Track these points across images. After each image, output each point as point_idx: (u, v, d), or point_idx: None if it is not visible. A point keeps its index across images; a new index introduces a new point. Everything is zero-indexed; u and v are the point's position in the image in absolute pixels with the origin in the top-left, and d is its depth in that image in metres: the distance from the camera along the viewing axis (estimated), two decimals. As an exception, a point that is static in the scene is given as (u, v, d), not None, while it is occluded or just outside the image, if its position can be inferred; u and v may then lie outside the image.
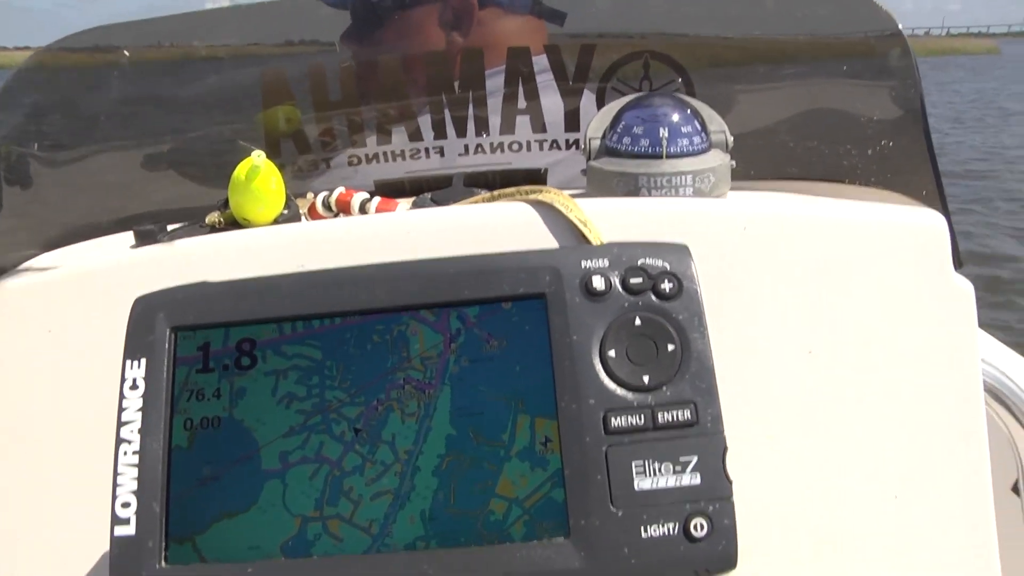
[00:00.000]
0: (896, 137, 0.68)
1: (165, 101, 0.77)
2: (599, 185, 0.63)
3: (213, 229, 0.64)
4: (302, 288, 0.44)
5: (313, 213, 0.67)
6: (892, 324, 0.54)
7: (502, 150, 0.74)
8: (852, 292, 0.54)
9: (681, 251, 0.44)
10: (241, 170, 0.60)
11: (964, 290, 0.55)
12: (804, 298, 0.54)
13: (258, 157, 0.60)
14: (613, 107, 0.65)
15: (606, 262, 0.43)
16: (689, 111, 0.63)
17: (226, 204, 0.64)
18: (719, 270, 0.52)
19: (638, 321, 0.42)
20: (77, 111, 0.76)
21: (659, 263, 0.43)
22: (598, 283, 0.42)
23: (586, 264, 0.42)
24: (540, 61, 0.72)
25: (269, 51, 0.77)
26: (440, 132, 0.73)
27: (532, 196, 0.56)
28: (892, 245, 0.55)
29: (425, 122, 0.73)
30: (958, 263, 0.56)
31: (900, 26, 0.66)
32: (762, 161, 0.73)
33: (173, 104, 0.77)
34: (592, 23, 0.78)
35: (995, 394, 0.74)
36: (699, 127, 0.63)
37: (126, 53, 0.72)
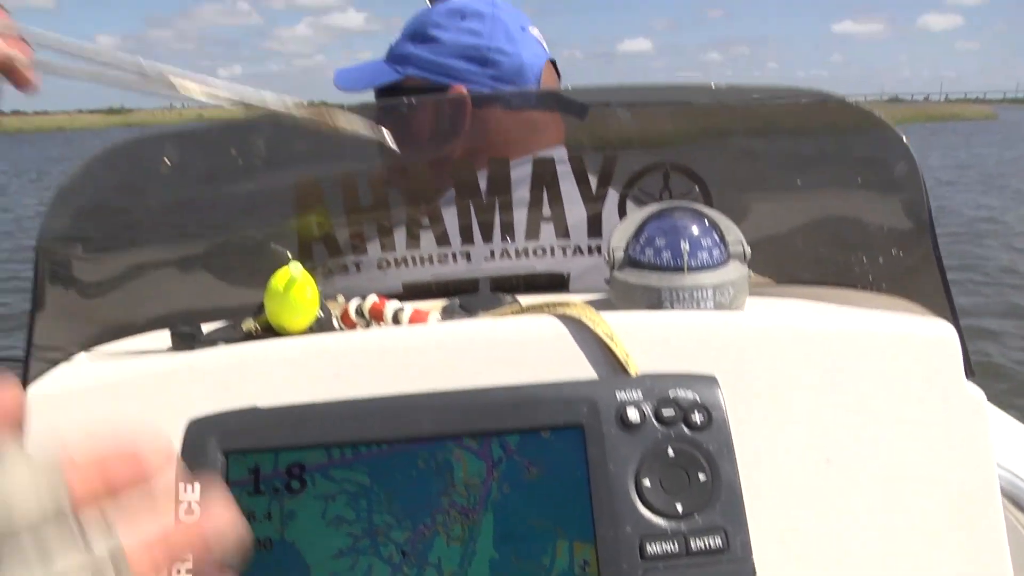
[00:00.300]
0: (905, 246, 0.71)
1: (203, 206, 0.80)
2: (623, 296, 0.66)
3: (249, 335, 0.66)
4: (350, 415, 0.46)
5: (346, 320, 0.69)
6: (907, 433, 0.56)
7: (527, 255, 0.77)
8: (868, 402, 0.56)
9: (710, 382, 0.46)
10: (279, 280, 0.63)
11: (975, 398, 0.57)
12: (821, 408, 0.56)
13: (295, 268, 0.62)
14: (635, 218, 0.68)
15: (639, 394, 0.45)
16: (707, 223, 0.66)
17: (261, 309, 0.66)
18: (740, 382, 0.54)
19: (671, 452, 0.44)
20: (118, 215, 0.79)
21: (689, 395, 0.45)
22: (632, 415, 0.44)
23: (621, 396, 0.45)
24: (564, 170, 0.75)
25: (302, 156, 0.80)
26: (467, 237, 0.76)
27: (560, 310, 0.58)
28: (906, 356, 0.57)
29: (452, 227, 0.76)
30: (969, 371, 0.58)
31: (905, 139, 0.69)
32: (777, 266, 0.76)
33: (210, 208, 0.80)
34: (613, 133, 0.82)
35: (1014, 499, 0.75)
36: (718, 239, 0.66)
37: (167, 162, 0.75)
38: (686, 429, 0.45)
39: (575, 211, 0.76)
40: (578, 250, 0.78)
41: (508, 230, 0.76)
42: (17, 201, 13.51)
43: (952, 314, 0.64)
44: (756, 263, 0.68)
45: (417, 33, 0.91)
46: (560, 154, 0.78)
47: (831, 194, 0.76)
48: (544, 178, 0.75)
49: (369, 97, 0.94)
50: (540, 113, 0.91)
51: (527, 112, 0.90)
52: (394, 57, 0.92)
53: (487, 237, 0.76)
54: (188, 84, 0.56)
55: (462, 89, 0.87)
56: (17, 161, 28.23)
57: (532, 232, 0.76)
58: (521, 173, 0.76)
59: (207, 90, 0.57)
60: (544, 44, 0.95)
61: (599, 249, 0.77)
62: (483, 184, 0.75)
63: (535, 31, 0.93)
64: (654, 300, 0.63)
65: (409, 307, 0.67)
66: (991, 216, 9.29)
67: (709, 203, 0.75)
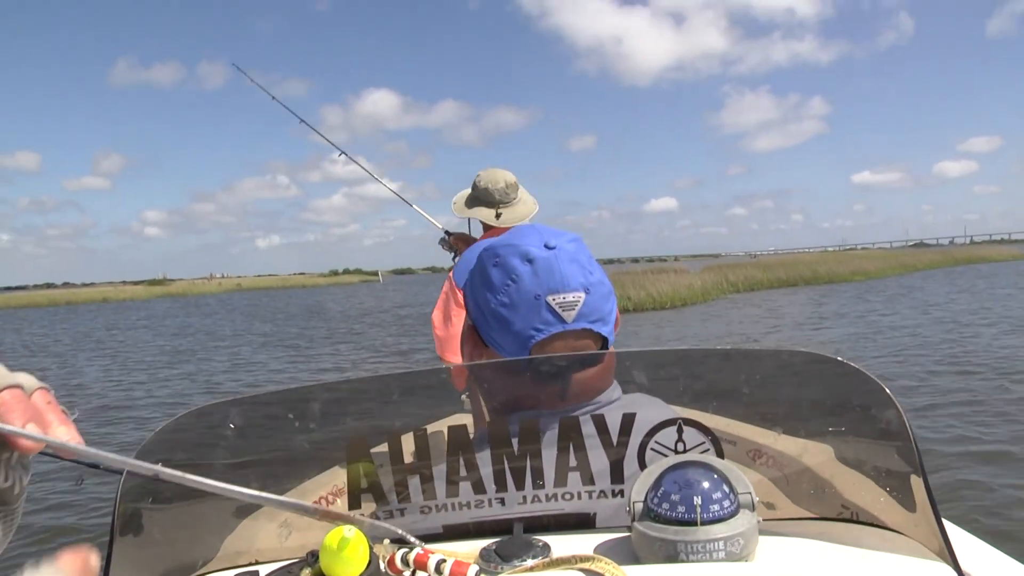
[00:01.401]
0: (900, 488, 0.77)
1: (263, 462, 0.89)
2: (643, 545, 0.73)
3: (305, 581, 0.73)
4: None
5: (392, 567, 0.76)
6: None
7: (556, 499, 0.84)
8: None
9: None
10: (333, 538, 0.70)
11: None
12: None
13: (348, 531, 0.70)
14: (653, 471, 0.76)
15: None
16: (717, 476, 0.74)
17: (315, 558, 0.73)
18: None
19: None
20: (187, 469, 0.88)
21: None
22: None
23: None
24: (588, 428, 0.84)
25: (352, 417, 0.90)
26: (501, 485, 0.84)
27: (585, 565, 0.65)
28: None
29: (488, 476, 0.84)
30: None
31: (889, 392, 0.77)
32: (785, 502, 0.83)
33: (269, 464, 0.89)
34: (633, 389, 0.91)
35: None
36: (728, 490, 0.73)
37: (232, 426, 0.85)
38: None
39: (599, 461, 0.84)
40: (602, 494, 0.85)
41: (539, 476, 0.84)
42: (86, 373, 14.16)
43: (951, 556, 0.69)
44: (764, 497, 0.74)
45: None
46: (584, 410, 0.87)
47: (831, 441, 0.83)
48: (570, 434, 0.84)
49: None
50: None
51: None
52: None
53: (519, 485, 0.84)
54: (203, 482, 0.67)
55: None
56: (72, 331, 29.27)
57: (560, 480, 0.84)
58: (549, 429, 0.84)
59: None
60: None
61: (622, 493, 0.84)
62: (515, 439, 0.84)
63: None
64: (671, 552, 0.70)
65: (450, 560, 0.73)
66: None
67: (720, 453, 0.83)
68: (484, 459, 0.85)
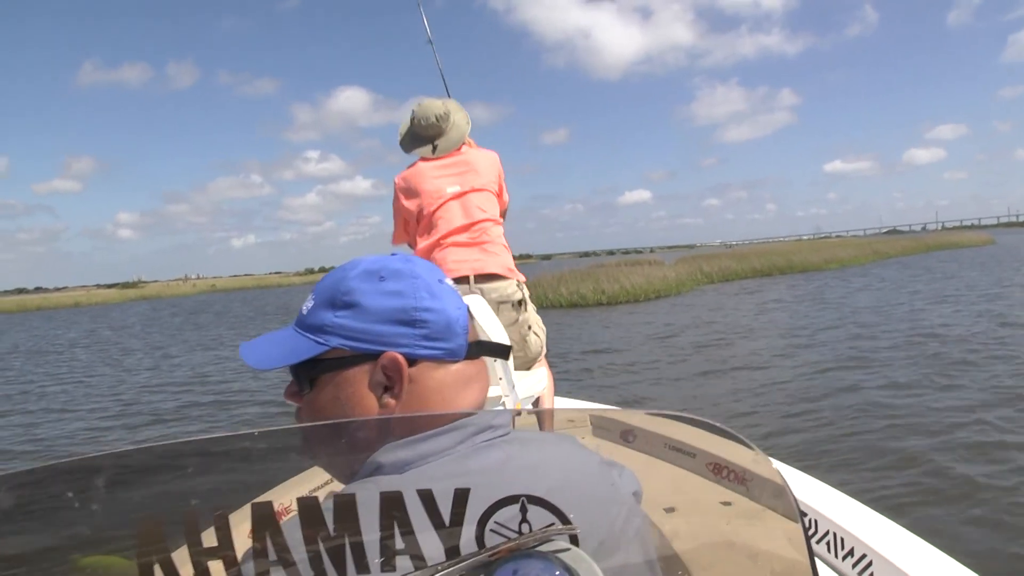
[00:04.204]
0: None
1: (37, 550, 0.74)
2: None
3: None
4: None
5: None
6: None
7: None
8: None
9: None
10: None
11: None
12: None
13: None
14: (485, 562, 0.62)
15: None
16: (559, 572, 0.60)
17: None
18: None
19: None
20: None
21: None
22: None
23: None
24: (414, 506, 0.70)
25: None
26: (319, 570, 0.69)
27: None
28: None
29: (303, 562, 0.69)
30: None
31: (772, 462, 0.65)
32: None
33: (45, 552, 0.75)
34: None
35: None
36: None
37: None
38: None
39: (430, 543, 0.70)
40: None
41: (361, 560, 0.69)
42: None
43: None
44: None
45: (335, 300, 0.84)
46: (411, 487, 0.72)
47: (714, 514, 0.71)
48: (392, 512, 0.69)
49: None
50: (470, 364, 0.86)
51: (460, 366, 0.85)
52: (311, 327, 0.85)
53: (340, 570, 0.69)
54: None
55: (396, 355, 0.81)
56: (52, 338, 28.85)
57: (388, 564, 0.70)
58: (368, 504, 0.70)
59: None
60: (459, 296, 0.90)
61: (463, 578, 0.70)
62: (329, 516, 0.69)
63: (449, 281, 0.89)
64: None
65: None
66: None
67: (573, 535, 0.69)
68: (296, 538, 0.70)
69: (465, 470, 0.75)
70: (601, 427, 2.70)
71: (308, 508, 0.69)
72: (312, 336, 0.84)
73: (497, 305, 3.01)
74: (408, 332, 0.82)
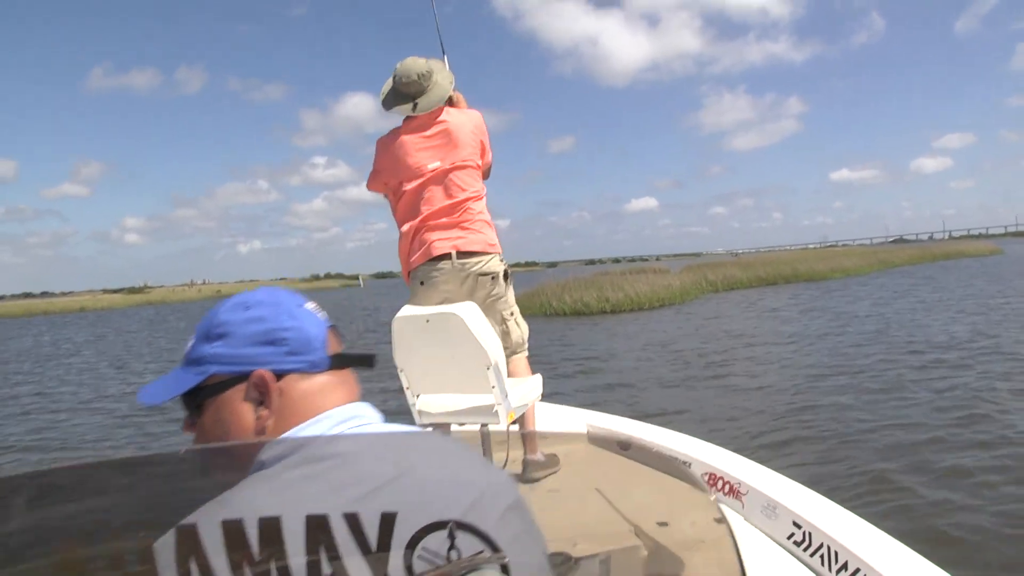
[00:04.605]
0: None
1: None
2: None
3: None
4: None
5: None
6: None
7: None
8: None
9: None
10: None
11: None
12: None
13: None
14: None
15: None
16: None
17: None
18: None
19: None
20: None
21: None
22: None
23: None
24: (342, 534, 0.67)
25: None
26: None
27: None
28: None
29: None
30: None
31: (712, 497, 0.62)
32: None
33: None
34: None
35: None
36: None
37: None
38: None
39: (359, 572, 0.67)
40: None
41: None
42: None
43: None
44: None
45: (210, 333, 0.94)
46: (336, 511, 0.69)
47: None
48: (319, 537, 0.67)
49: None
50: (335, 374, 0.95)
51: (324, 376, 0.94)
52: (192, 361, 0.95)
53: None
54: None
55: (263, 372, 0.91)
56: (58, 343, 28.83)
57: None
58: (294, 531, 0.67)
59: None
60: (320, 315, 0.99)
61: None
62: (254, 545, 0.67)
63: (311, 305, 0.99)
64: None
65: None
66: None
67: (502, 560, 0.66)
68: (221, 566, 0.67)
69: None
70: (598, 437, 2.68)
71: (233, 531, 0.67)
72: (193, 368, 0.94)
73: (476, 278, 3.17)
74: (273, 351, 0.93)
